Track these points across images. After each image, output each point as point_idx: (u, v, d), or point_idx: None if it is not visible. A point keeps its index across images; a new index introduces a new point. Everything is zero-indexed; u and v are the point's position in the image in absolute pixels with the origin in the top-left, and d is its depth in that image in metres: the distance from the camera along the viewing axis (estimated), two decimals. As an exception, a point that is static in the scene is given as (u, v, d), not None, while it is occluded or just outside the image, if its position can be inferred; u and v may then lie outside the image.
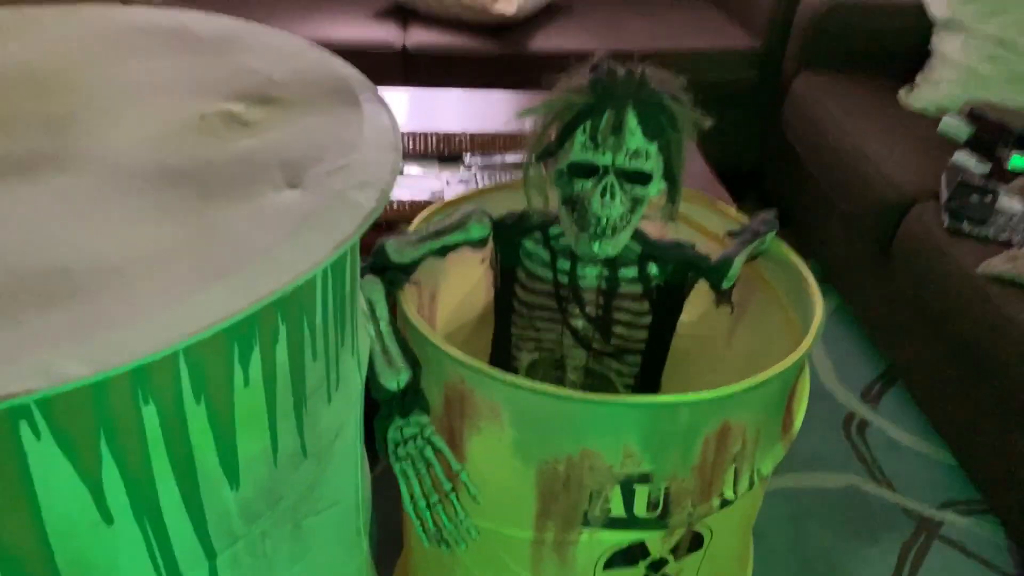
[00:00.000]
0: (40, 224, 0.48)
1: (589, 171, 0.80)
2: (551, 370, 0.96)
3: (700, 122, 0.81)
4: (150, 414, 0.45)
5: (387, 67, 2.00)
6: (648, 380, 0.96)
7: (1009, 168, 1.64)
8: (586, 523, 0.81)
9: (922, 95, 1.88)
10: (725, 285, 0.91)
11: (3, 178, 0.51)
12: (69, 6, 0.75)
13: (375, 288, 0.81)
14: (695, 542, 0.86)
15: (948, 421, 1.48)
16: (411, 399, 0.79)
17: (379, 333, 0.79)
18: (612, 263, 0.88)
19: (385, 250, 0.83)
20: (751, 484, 0.85)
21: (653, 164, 0.80)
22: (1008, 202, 1.50)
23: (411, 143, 1.45)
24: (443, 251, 0.87)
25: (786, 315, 0.95)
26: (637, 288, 0.90)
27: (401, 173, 1.37)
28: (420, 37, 2.06)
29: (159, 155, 0.55)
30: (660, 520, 0.81)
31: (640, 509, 0.80)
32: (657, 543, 0.84)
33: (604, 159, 0.79)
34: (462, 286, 1.05)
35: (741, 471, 0.82)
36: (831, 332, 1.84)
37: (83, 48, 0.68)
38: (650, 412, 0.75)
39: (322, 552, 0.64)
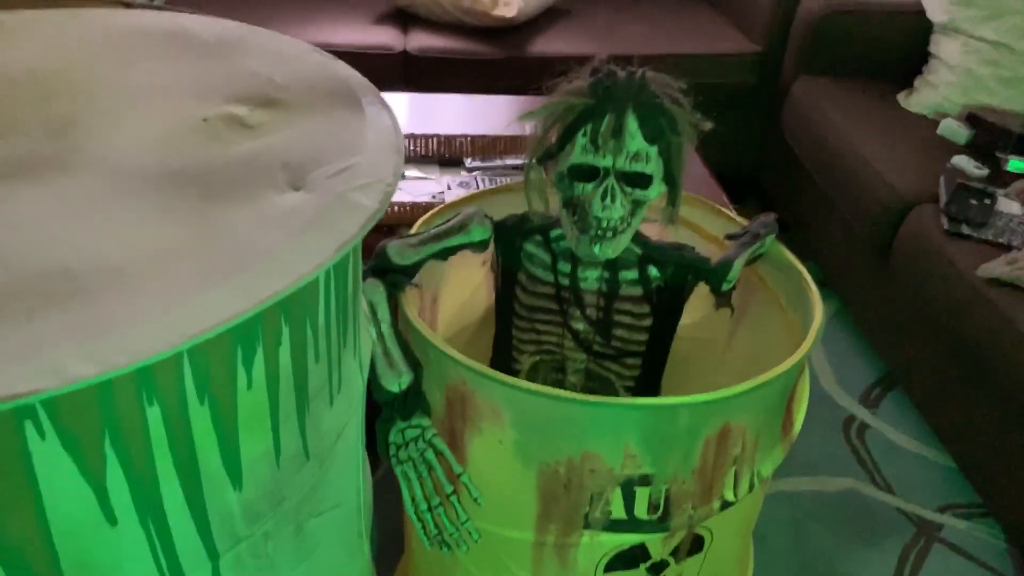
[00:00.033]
0: (43, 225, 0.48)
1: (590, 174, 0.81)
2: (552, 372, 0.96)
3: (700, 125, 0.82)
4: (154, 415, 0.45)
5: (388, 71, 2.00)
6: (648, 382, 0.96)
7: (1008, 171, 1.65)
8: (587, 525, 0.81)
9: (921, 98, 1.88)
10: (725, 287, 0.91)
11: (6, 180, 0.51)
12: (71, 10, 0.75)
13: (377, 290, 0.81)
14: (696, 544, 0.87)
15: (948, 424, 1.48)
16: (412, 401, 0.79)
17: (381, 335, 0.79)
18: (612, 265, 0.88)
19: (387, 252, 0.83)
20: (751, 486, 0.85)
21: (653, 167, 0.81)
22: (1007, 205, 1.51)
23: (412, 146, 1.45)
24: (444, 254, 0.88)
25: (786, 317, 0.96)
26: (637, 290, 0.90)
27: (402, 176, 1.38)
28: (421, 41, 2.06)
29: (162, 157, 0.55)
30: (661, 522, 0.81)
31: (641, 511, 0.80)
32: (658, 545, 0.84)
33: (604, 162, 0.80)
34: (463, 289, 1.06)
35: (741, 473, 0.83)
36: (830, 336, 1.84)
37: (86, 51, 0.68)
38: (650, 414, 0.75)
39: (324, 554, 0.64)
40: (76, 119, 0.59)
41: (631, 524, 0.80)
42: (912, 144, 1.73)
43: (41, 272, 0.44)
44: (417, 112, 1.69)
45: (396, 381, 0.79)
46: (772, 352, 0.88)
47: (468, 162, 1.46)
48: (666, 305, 0.92)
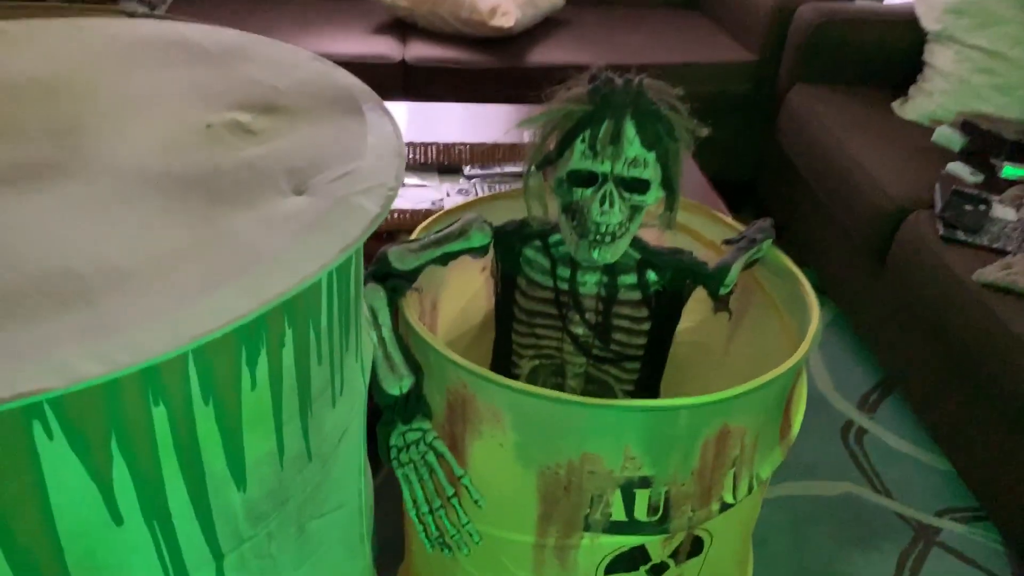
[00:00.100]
0: (49, 229, 0.48)
1: (588, 179, 0.81)
2: (551, 377, 0.97)
3: (697, 131, 0.83)
4: (160, 415, 0.46)
5: (387, 80, 2.01)
6: (647, 386, 0.96)
7: (1002, 177, 1.66)
8: (587, 527, 0.81)
9: (915, 106, 1.90)
10: (722, 291, 0.92)
11: (14, 185, 0.52)
12: (75, 19, 0.76)
13: (377, 295, 0.81)
14: (695, 546, 0.87)
15: (945, 428, 1.49)
16: (413, 405, 0.80)
17: (382, 339, 0.80)
18: (611, 270, 0.89)
19: (387, 258, 0.84)
20: (750, 488, 0.85)
21: (651, 172, 0.82)
22: (1001, 211, 1.52)
23: (411, 154, 1.46)
24: (444, 259, 0.88)
25: (783, 321, 0.96)
26: (636, 295, 0.91)
27: (402, 183, 1.38)
28: (419, 51, 2.08)
29: (167, 163, 0.56)
30: (660, 524, 0.81)
31: (641, 513, 0.80)
32: (657, 547, 0.85)
33: (603, 167, 0.80)
34: (463, 294, 1.06)
35: (740, 475, 0.83)
36: (828, 341, 1.85)
37: (89, 59, 0.69)
38: (650, 415, 0.76)
39: (326, 555, 0.65)
40: (80, 125, 0.59)
41: (631, 526, 0.81)
42: (907, 151, 1.74)
43: (47, 274, 0.45)
44: (416, 120, 1.70)
45: (397, 384, 0.79)
46: (770, 356, 0.88)
47: (467, 170, 1.47)
48: (664, 309, 0.92)
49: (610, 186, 0.81)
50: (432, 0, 2.09)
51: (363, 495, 0.72)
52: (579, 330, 0.92)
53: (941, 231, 1.47)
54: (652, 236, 0.94)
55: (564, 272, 0.90)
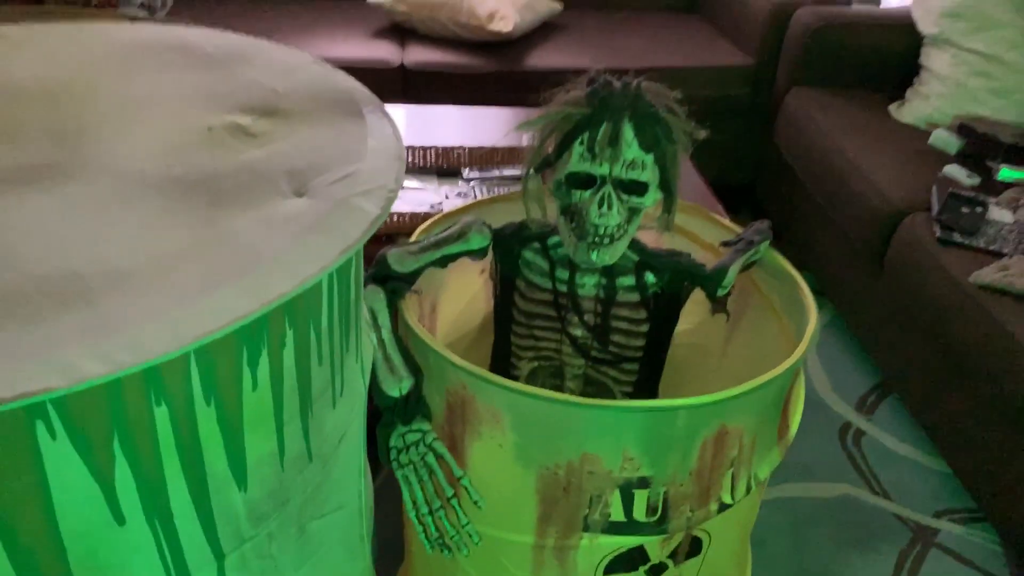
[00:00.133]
0: (51, 230, 0.49)
1: (587, 181, 0.82)
2: (550, 378, 0.97)
3: (695, 134, 0.83)
4: (162, 416, 0.46)
5: (386, 84, 2.02)
6: (646, 387, 0.97)
7: (998, 180, 1.67)
8: (586, 528, 0.81)
9: (912, 109, 1.90)
10: (720, 293, 0.92)
11: (15, 186, 0.52)
12: (76, 23, 0.77)
13: (377, 297, 0.82)
14: (694, 547, 0.87)
15: (943, 429, 1.49)
16: (413, 406, 0.80)
17: (381, 341, 0.80)
18: (610, 272, 0.90)
19: (387, 260, 0.84)
20: (748, 489, 0.86)
21: (649, 174, 0.82)
22: (998, 213, 1.53)
23: (410, 158, 1.47)
24: (443, 261, 0.89)
25: (781, 323, 0.97)
26: (634, 296, 0.91)
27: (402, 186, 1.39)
28: (418, 55, 2.08)
29: (168, 165, 0.56)
30: (659, 524, 0.82)
31: (639, 513, 0.81)
32: (656, 548, 0.85)
33: (601, 170, 0.81)
34: (462, 297, 1.07)
35: (739, 476, 0.84)
36: (826, 344, 1.85)
37: (91, 63, 0.69)
38: (649, 416, 0.76)
39: (327, 556, 0.65)
40: (82, 127, 0.60)
41: (630, 526, 0.81)
42: (904, 154, 1.75)
43: (49, 275, 0.45)
44: (415, 124, 1.70)
45: (397, 386, 0.80)
46: (767, 357, 0.89)
47: (466, 173, 1.47)
48: (663, 311, 0.93)
49: (608, 188, 0.81)
50: (431, 5, 2.10)
51: (363, 496, 0.72)
52: (578, 332, 0.93)
53: (938, 233, 1.48)
54: (650, 238, 0.94)
55: (563, 274, 0.90)
